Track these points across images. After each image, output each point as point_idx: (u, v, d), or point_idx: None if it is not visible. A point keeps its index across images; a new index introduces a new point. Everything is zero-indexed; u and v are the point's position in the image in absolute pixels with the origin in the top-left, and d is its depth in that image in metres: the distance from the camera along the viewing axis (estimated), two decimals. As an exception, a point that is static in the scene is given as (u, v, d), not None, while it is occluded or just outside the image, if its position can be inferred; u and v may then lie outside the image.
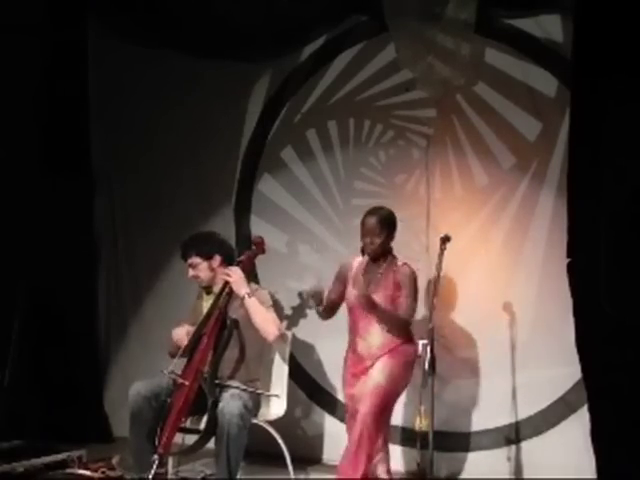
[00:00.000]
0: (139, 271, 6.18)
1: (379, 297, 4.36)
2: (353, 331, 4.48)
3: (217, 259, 4.69)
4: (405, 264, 4.42)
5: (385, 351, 4.35)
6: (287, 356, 5.00)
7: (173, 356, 4.57)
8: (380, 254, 4.46)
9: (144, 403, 4.35)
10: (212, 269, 4.68)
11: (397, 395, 4.44)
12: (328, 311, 4.63)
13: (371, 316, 4.36)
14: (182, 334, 4.57)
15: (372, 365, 4.35)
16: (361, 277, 4.37)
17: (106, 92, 6.18)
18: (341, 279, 4.61)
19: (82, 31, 6.08)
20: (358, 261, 4.49)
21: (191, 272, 4.70)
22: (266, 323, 4.54)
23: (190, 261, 4.68)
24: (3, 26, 5.49)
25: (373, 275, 4.44)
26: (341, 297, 4.59)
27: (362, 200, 5.51)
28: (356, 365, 4.44)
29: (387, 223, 4.46)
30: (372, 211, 4.49)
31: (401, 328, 4.36)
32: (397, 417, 5.20)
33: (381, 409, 4.32)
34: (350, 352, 4.50)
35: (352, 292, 4.45)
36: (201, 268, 4.68)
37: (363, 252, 4.45)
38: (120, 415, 5.47)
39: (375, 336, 4.37)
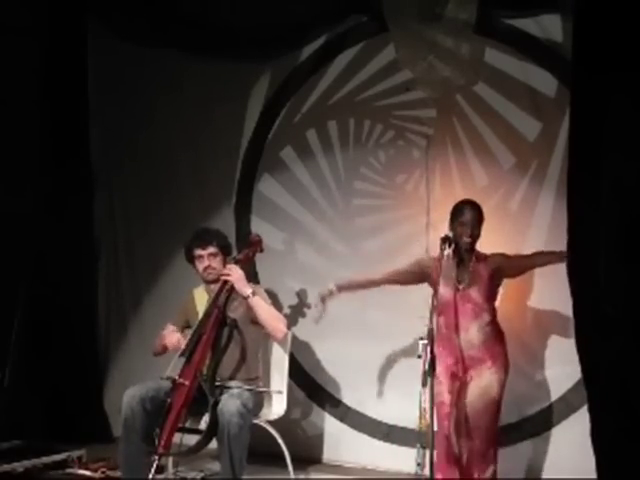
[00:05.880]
0: (139, 271, 6.18)
1: (475, 292, 4.35)
2: (447, 327, 4.38)
3: (225, 258, 4.70)
4: (488, 255, 4.40)
5: (488, 354, 4.35)
6: (288, 354, 5.01)
7: (156, 354, 4.67)
8: (471, 248, 4.41)
9: (138, 407, 4.30)
10: (223, 264, 4.66)
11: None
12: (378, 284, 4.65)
13: (468, 312, 4.35)
14: (176, 338, 4.58)
15: (478, 365, 4.33)
16: (453, 274, 4.36)
17: (105, 92, 6.18)
18: (418, 274, 4.51)
19: (82, 31, 6.09)
20: (443, 258, 4.34)
21: (206, 262, 4.66)
22: (274, 321, 4.55)
23: (209, 250, 4.65)
24: (3, 26, 5.49)
25: (464, 270, 4.39)
26: (403, 281, 4.56)
27: (362, 200, 5.52)
28: (454, 363, 4.37)
29: (482, 213, 4.42)
30: (470, 202, 4.42)
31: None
32: (397, 417, 5.23)
33: (496, 423, 4.37)
34: (441, 348, 4.30)
35: (446, 289, 4.37)
36: (218, 260, 4.67)
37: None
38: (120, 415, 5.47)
39: (473, 334, 4.34)
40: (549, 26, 4.92)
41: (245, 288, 4.52)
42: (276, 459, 4.74)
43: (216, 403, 4.26)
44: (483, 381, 4.35)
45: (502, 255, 4.45)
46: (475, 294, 4.37)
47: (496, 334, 4.42)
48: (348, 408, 5.47)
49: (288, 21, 5.41)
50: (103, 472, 4.99)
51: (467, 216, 4.36)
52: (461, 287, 4.38)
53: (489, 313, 4.39)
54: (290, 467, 4.72)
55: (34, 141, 5.87)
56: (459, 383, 4.37)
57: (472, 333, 4.36)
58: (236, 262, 4.65)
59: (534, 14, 4.95)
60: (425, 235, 5.15)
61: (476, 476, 4.33)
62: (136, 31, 5.80)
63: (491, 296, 4.42)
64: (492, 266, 4.38)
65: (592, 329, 4.02)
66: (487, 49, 5.09)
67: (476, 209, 4.40)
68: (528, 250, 4.93)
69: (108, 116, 6.20)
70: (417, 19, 5.06)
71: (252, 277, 5.38)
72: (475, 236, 4.39)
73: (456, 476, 4.32)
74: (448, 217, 4.45)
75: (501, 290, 4.55)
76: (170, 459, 4.96)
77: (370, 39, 5.41)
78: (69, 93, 6.03)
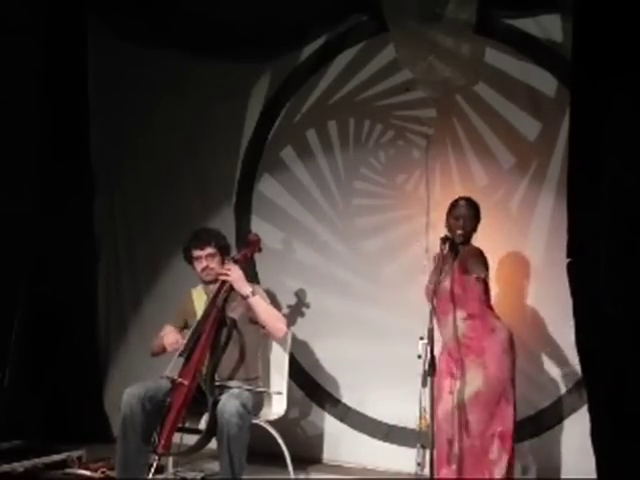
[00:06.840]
0: (139, 271, 6.17)
1: (452, 284, 4.30)
2: (436, 318, 4.34)
3: (223, 258, 4.69)
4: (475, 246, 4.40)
5: (471, 347, 4.29)
6: (288, 354, 5.00)
7: (155, 355, 4.66)
8: (465, 242, 4.39)
9: (137, 407, 4.28)
10: (222, 264, 4.66)
11: (504, 389, 4.27)
12: None
13: (450, 304, 4.31)
14: (174, 338, 4.57)
15: (465, 359, 4.28)
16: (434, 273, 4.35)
17: (105, 92, 6.18)
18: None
19: (82, 30, 6.09)
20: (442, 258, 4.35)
21: (204, 262, 4.64)
22: (274, 320, 4.55)
23: (208, 251, 4.64)
24: (2, 25, 5.49)
25: (450, 262, 4.37)
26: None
27: (362, 200, 5.52)
28: (452, 353, 4.34)
29: (478, 211, 4.42)
30: (464, 197, 4.44)
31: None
32: (397, 417, 5.23)
33: (488, 414, 4.25)
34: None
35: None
36: (216, 260, 4.65)
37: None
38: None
39: (451, 326, 4.30)
40: (549, 26, 4.92)
41: (244, 287, 4.52)
42: (276, 459, 4.74)
43: (215, 403, 4.26)
44: (467, 374, 4.28)
45: (471, 249, 4.39)
46: (453, 286, 4.31)
47: (484, 330, 4.31)
48: (348, 408, 5.46)
49: (288, 21, 5.41)
50: (103, 472, 4.98)
51: (460, 210, 4.38)
52: (441, 279, 4.34)
53: (471, 307, 4.30)
54: (290, 467, 4.72)
55: (34, 141, 5.86)
56: (457, 373, 4.35)
57: (449, 324, 4.31)
58: (234, 262, 4.64)
59: (534, 14, 4.95)
60: (425, 235, 5.14)
61: (470, 476, 4.31)
62: (136, 31, 5.81)
63: (469, 289, 4.32)
64: (463, 259, 4.35)
65: (592, 329, 4.02)
66: (487, 49, 5.09)
67: (470, 204, 4.41)
68: (528, 250, 4.95)
69: (108, 116, 6.20)
70: (417, 19, 5.06)
71: (252, 277, 5.39)
72: (467, 230, 4.38)
73: (454, 476, 4.30)
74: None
75: (497, 289, 4.52)
76: (170, 459, 4.96)
77: (370, 39, 5.41)
78: (69, 93, 6.03)
